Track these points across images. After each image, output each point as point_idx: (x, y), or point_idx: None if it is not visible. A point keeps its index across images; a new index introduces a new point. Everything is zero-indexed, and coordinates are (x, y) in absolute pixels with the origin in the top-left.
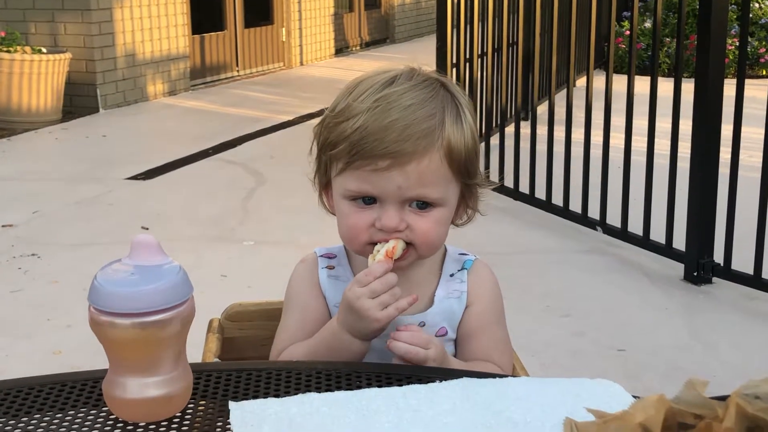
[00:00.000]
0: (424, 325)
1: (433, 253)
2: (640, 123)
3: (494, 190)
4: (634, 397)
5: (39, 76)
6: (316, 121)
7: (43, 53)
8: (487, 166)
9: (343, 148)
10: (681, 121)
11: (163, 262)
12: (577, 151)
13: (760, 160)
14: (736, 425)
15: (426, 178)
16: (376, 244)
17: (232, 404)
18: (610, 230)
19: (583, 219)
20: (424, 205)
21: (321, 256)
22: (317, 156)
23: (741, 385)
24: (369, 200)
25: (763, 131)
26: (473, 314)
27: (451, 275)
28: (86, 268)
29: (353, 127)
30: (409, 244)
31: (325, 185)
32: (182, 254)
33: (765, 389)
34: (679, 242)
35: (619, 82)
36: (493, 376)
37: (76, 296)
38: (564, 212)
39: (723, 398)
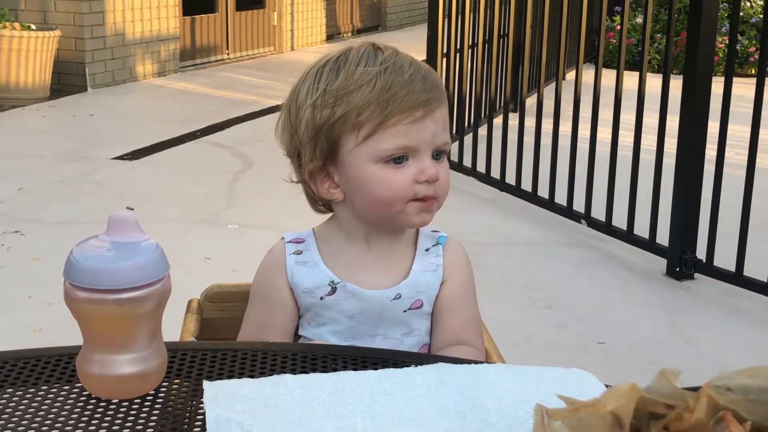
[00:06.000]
0: (399, 297)
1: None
2: (628, 118)
3: (481, 180)
4: (607, 386)
5: (27, 53)
6: None
7: (32, 30)
8: (474, 157)
9: (373, 110)
10: (668, 118)
11: (140, 240)
12: (564, 144)
13: (746, 158)
14: (706, 416)
15: (445, 125)
16: (417, 201)
17: (206, 383)
18: (594, 224)
19: (568, 212)
20: (438, 154)
21: (289, 241)
22: (312, 140)
23: (713, 376)
24: (399, 160)
25: (749, 129)
26: (450, 291)
27: (427, 250)
28: (69, 247)
29: (376, 89)
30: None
31: (320, 168)
32: (166, 236)
33: (737, 381)
34: (663, 237)
35: (608, 76)
36: (470, 361)
37: (59, 274)
38: (549, 204)
39: (695, 389)
